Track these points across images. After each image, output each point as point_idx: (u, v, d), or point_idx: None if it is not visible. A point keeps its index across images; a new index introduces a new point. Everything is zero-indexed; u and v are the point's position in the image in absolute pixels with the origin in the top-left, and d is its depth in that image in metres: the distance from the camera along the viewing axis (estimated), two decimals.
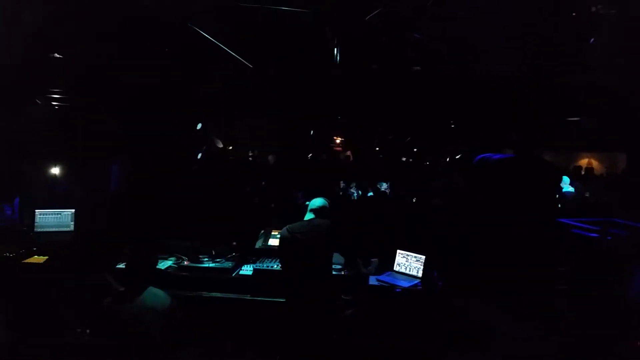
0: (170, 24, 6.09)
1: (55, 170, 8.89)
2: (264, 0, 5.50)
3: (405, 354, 4.26)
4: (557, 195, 8.12)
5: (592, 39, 6.09)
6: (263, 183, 8.67)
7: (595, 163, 16.30)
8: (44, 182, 8.64)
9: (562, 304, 4.78)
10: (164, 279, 4.03)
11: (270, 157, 12.63)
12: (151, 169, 8.79)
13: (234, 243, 5.08)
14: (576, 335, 4.42)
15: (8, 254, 4.72)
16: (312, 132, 14.06)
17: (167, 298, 3.08)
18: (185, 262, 4.72)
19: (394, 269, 4.76)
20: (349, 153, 16.26)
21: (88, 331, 3.30)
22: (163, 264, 4.65)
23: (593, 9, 5.70)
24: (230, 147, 13.36)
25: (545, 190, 7.93)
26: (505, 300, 6.73)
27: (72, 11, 5.56)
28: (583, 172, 14.64)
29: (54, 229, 5.54)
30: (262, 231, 5.22)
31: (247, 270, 4.61)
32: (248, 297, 4.40)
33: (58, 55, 6.77)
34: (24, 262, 4.64)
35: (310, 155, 12.96)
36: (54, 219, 5.63)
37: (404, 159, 15.66)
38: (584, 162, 16.36)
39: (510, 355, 5.24)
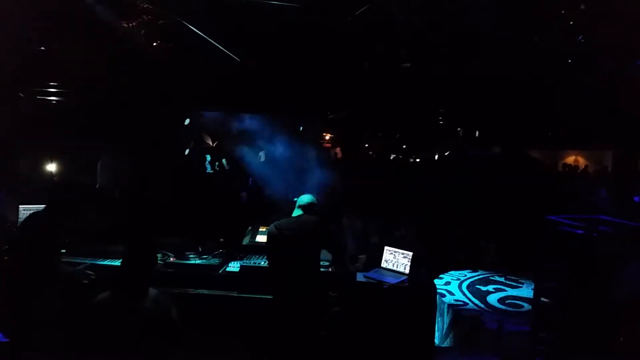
0: (159, 18, 6.03)
1: (45, 166, 8.81)
2: None
3: (393, 350, 4.27)
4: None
5: (580, 37, 6.14)
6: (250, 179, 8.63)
7: (581, 160, 16.47)
8: (30, 177, 8.55)
9: (551, 300, 4.81)
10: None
11: (260, 154, 12.56)
12: (138, 165, 8.73)
13: (221, 239, 5.04)
14: (565, 331, 4.45)
15: None
16: (301, 128, 14.01)
17: (168, 301, 2.99)
18: (172, 259, 4.68)
19: (382, 265, 4.77)
20: (337, 150, 16.26)
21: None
22: None
23: (582, 6, 5.74)
24: (216, 142, 13.26)
25: (532, 186, 8.02)
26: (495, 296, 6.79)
27: (63, 5, 5.49)
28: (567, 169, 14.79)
29: None
30: (250, 227, 5.19)
31: (234, 267, 4.58)
32: (235, 294, 4.37)
33: (43, 48, 6.67)
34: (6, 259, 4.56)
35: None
36: None
37: (393, 155, 15.68)
38: (570, 159, 16.52)
39: (499, 351, 5.28)
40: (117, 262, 4.45)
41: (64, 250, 4.42)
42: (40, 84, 8.11)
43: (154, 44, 7.02)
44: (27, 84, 8.04)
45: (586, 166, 15.32)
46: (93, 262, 4.51)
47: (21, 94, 8.08)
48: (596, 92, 7.42)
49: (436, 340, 5.02)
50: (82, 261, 4.49)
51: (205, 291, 4.39)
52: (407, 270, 4.57)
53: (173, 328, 2.99)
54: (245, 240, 5.04)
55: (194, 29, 6.22)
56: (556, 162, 15.54)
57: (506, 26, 6.19)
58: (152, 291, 3.00)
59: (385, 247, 4.82)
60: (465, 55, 7.37)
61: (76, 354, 2.97)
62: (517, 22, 6.11)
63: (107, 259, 4.58)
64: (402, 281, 4.48)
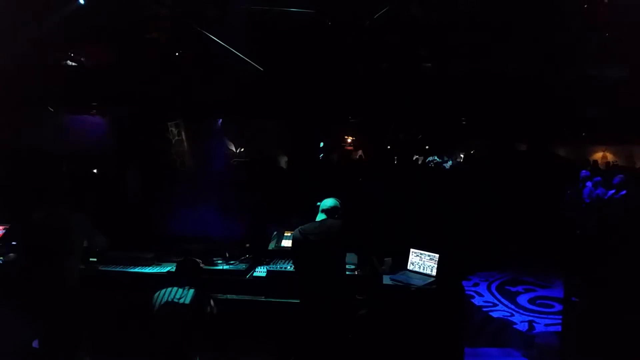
0: (183, 29, 6.14)
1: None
2: (272, 3, 5.52)
3: (422, 352, 4.24)
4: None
5: (606, 33, 6.03)
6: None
7: (610, 156, 16.08)
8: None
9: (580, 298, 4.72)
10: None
11: (282, 159, 12.69)
12: (164, 172, 8.88)
13: (247, 245, 5.09)
14: (593, 333, 4.37)
15: None
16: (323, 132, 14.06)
17: (211, 301, 3.39)
18: (200, 265, 4.73)
19: (408, 268, 4.73)
20: (360, 152, 16.25)
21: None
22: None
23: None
24: (242, 149, 13.42)
25: (557, 184, 7.91)
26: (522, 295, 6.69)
27: (90, 18, 5.63)
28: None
29: None
30: (275, 232, 5.23)
31: (260, 271, 4.61)
32: (262, 298, 4.40)
33: (72, 63, 6.86)
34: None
35: (322, 155, 12.96)
36: None
37: (415, 157, 15.59)
38: (598, 155, 16.15)
39: (530, 352, 5.20)
40: (147, 270, 4.57)
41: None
42: (70, 98, 8.31)
43: (177, 53, 7.16)
44: (57, 98, 8.25)
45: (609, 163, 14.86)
46: (124, 269, 4.60)
47: (50, 108, 8.31)
48: (623, 87, 7.26)
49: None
50: (113, 269, 4.58)
51: (233, 296, 4.41)
52: (433, 272, 4.53)
53: (210, 322, 3.44)
54: (271, 245, 5.07)
55: (217, 39, 6.31)
56: (584, 158, 15.19)
57: (530, 22, 6.12)
58: (205, 297, 3.52)
59: (411, 249, 4.79)
60: (487, 53, 7.31)
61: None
62: (541, 18, 6.03)
63: (138, 266, 4.67)
64: (429, 283, 4.44)
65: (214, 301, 3.53)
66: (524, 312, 6.23)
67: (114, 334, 4.05)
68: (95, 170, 8.97)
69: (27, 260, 3.95)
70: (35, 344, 4.21)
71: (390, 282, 4.48)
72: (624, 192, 7.11)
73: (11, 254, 4.50)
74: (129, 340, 3.29)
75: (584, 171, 8.36)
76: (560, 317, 5.18)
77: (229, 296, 4.42)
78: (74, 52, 6.74)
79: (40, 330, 3.93)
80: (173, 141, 9.89)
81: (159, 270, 4.57)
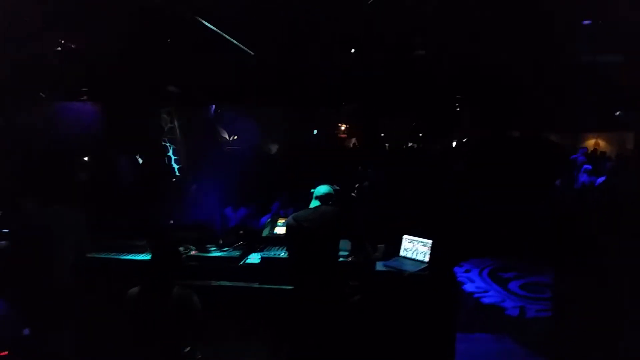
0: (174, 15, 6.06)
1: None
2: None
3: (414, 337, 4.28)
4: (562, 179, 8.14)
5: (598, 20, 6.03)
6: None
7: (602, 143, 16.15)
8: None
9: (568, 287, 4.78)
10: None
11: (271, 146, 12.66)
12: (156, 162, 8.84)
13: (241, 232, 5.09)
14: (583, 318, 4.43)
15: None
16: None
17: (191, 294, 3.15)
18: (193, 252, 4.73)
19: (401, 254, 4.76)
20: (354, 140, 16.22)
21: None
22: None
23: None
24: (236, 137, 13.35)
25: (548, 172, 7.97)
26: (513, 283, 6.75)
27: (79, 4, 5.56)
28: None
29: None
30: (269, 219, 5.24)
31: (254, 258, 4.62)
32: (256, 285, 4.41)
33: (60, 48, 6.78)
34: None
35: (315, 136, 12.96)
36: None
37: (410, 144, 15.61)
38: (590, 142, 16.21)
39: (521, 338, 5.26)
40: (140, 257, 4.57)
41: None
42: (61, 84, 8.22)
43: (168, 40, 7.07)
44: (48, 84, 8.15)
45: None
46: (117, 256, 4.60)
47: (42, 94, 8.21)
48: (614, 73, 7.28)
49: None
50: (107, 256, 4.57)
51: (226, 283, 4.42)
52: (426, 259, 4.56)
53: (195, 320, 3.17)
54: (265, 232, 5.08)
55: (207, 23, 6.24)
56: (576, 145, 15.25)
57: (521, 9, 6.10)
58: (176, 286, 3.18)
59: (404, 236, 4.81)
60: (479, 40, 7.29)
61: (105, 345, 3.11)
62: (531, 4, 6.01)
63: (130, 253, 4.66)
64: (422, 269, 4.47)
65: (196, 295, 3.19)
66: (516, 298, 6.30)
67: (105, 323, 4.05)
68: (86, 158, 8.89)
69: (18, 250, 3.94)
70: (26, 332, 4.21)
71: (383, 268, 4.50)
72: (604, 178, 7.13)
73: (3, 242, 4.47)
74: (119, 331, 3.23)
75: (581, 157, 8.39)
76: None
77: (222, 283, 4.43)
78: (65, 38, 6.65)
79: (30, 320, 3.92)
80: (165, 128, 9.85)
81: None
